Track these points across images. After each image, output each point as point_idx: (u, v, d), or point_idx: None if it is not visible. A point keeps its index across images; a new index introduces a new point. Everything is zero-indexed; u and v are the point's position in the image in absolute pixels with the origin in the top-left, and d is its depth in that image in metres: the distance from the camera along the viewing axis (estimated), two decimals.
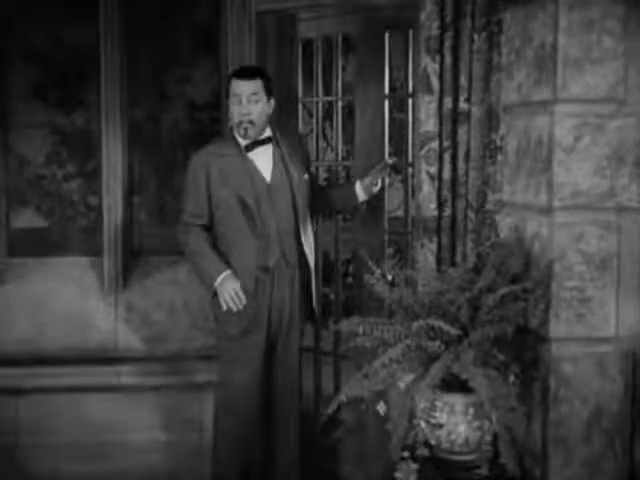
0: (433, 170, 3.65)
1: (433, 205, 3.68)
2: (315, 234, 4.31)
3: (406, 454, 3.27)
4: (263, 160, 4.03)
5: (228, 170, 3.97)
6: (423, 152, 3.65)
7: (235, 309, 3.90)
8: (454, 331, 3.15)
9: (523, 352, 3.30)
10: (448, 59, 3.60)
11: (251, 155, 4.02)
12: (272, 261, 4.00)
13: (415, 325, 3.20)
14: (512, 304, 3.23)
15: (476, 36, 3.56)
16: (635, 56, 3.24)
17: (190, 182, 4.01)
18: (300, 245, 4.07)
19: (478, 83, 3.58)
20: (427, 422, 3.25)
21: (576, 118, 3.21)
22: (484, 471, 3.25)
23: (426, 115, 3.65)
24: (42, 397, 4.45)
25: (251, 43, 4.62)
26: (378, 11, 4.39)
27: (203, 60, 4.80)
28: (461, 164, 3.64)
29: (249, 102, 3.94)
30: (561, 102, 3.21)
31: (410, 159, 4.54)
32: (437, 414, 3.22)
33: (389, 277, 3.64)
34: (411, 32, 4.35)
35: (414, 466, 3.26)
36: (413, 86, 4.38)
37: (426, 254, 3.69)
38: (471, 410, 3.21)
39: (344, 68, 4.81)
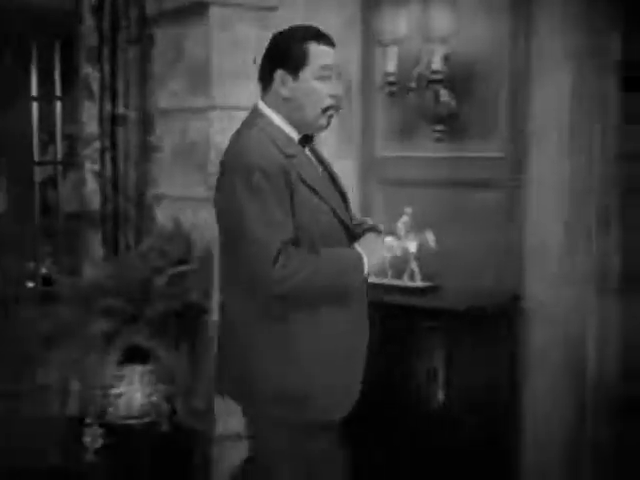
0: (96, 168, 4.01)
1: (97, 200, 4.04)
2: None
3: (92, 420, 3.62)
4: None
5: (311, 179, 2.52)
6: (87, 152, 4.00)
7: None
8: (129, 309, 3.57)
9: (190, 323, 3.79)
10: (107, 68, 3.99)
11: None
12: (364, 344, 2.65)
13: (94, 306, 3.57)
14: (179, 282, 3.71)
15: (131, 48, 4.00)
16: None
17: (269, 196, 2.40)
18: None
19: (134, 90, 4.03)
20: (108, 393, 3.63)
21: (228, 122, 3.75)
22: (163, 429, 3.68)
23: (88, 118, 4.00)
24: None
25: None
26: (24, 17, 4.61)
27: None
28: (121, 162, 4.05)
29: (337, 79, 2.61)
30: (215, 109, 3.75)
31: (59, 157, 4.84)
32: (117, 384, 3.62)
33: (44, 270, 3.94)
34: (57, 42, 4.65)
35: (99, 431, 3.62)
36: (61, 90, 4.69)
37: (93, 245, 4.04)
38: (146, 378, 3.65)
39: None
